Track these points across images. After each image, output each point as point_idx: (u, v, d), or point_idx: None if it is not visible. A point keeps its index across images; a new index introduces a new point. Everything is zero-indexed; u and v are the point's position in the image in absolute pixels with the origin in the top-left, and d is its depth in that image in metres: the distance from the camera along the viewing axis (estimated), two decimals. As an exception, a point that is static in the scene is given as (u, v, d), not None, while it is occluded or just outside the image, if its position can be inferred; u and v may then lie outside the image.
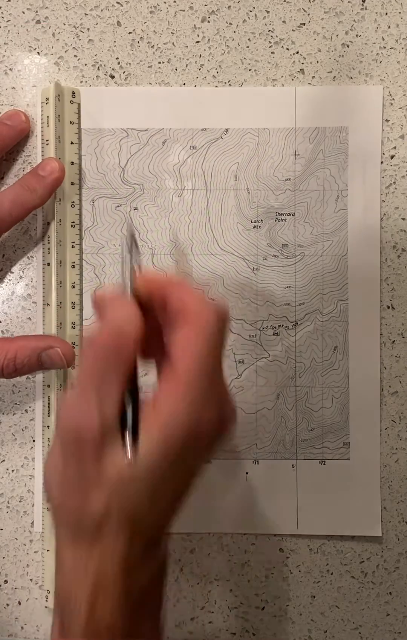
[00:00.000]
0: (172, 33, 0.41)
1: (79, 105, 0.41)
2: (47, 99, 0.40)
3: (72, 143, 0.41)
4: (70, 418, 0.29)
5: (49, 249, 0.40)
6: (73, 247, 0.41)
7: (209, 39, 0.41)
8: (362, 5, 0.41)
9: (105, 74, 0.42)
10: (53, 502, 0.31)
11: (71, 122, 0.41)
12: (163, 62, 0.41)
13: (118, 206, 0.42)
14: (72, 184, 0.41)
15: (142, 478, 0.29)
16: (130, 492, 0.29)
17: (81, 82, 0.42)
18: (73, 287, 0.41)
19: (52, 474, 0.30)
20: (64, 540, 0.30)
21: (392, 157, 0.41)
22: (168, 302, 0.30)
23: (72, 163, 0.41)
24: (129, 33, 0.41)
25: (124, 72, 0.42)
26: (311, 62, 0.41)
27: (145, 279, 0.32)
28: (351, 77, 0.41)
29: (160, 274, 0.33)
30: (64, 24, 0.41)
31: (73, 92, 0.41)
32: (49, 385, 0.40)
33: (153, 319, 0.31)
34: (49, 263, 0.40)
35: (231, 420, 0.31)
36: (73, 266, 0.41)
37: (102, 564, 0.29)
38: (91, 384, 0.29)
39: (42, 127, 0.40)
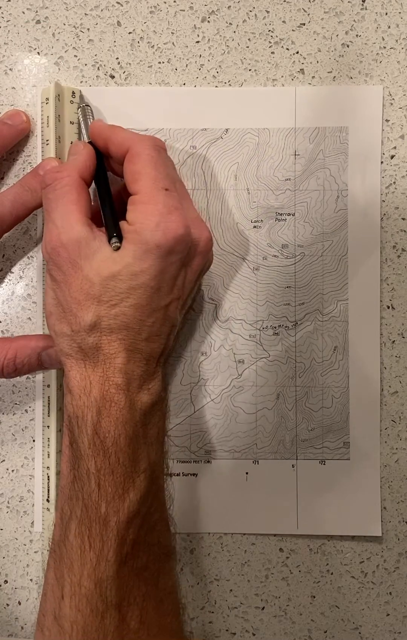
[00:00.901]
0: (172, 33, 0.41)
1: (79, 105, 0.41)
2: (47, 99, 0.40)
3: (72, 143, 0.41)
4: (45, 244, 0.34)
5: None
6: (73, 247, 0.41)
7: (209, 39, 0.41)
8: (362, 5, 0.41)
9: (105, 74, 0.42)
10: (53, 331, 0.34)
11: (71, 122, 0.41)
12: (163, 62, 0.41)
13: (118, 206, 0.42)
14: (72, 184, 0.41)
15: (123, 276, 0.32)
16: (114, 293, 0.32)
17: (81, 82, 0.42)
18: (73, 287, 0.41)
19: (48, 305, 0.34)
20: (70, 365, 0.33)
21: (392, 157, 0.41)
22: (113, 144, 0.35)
23: (72, 163, 0.41)
24: (129, 33, 0.41)
25: (124, 72, 0.42)
26: (311, 62, 0.41)
27: (94, 125, 0.37)
28: (351, 77, 0.41)
29: (104, 123, 0.38)
30: (64, 24, 0.41)
31: (73, 92, 0.41)
32: (49, 385, 0.40)
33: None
34: (49, 263, 0.40)
35: (204, 237, 0.35)
36: (73, 266, 0.41)
37: (105, 376, 0.32)
38: (51, 211, 0.34)
39: (42, 127, 0.40)
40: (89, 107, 0.40)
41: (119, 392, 0.32)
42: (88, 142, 0.37)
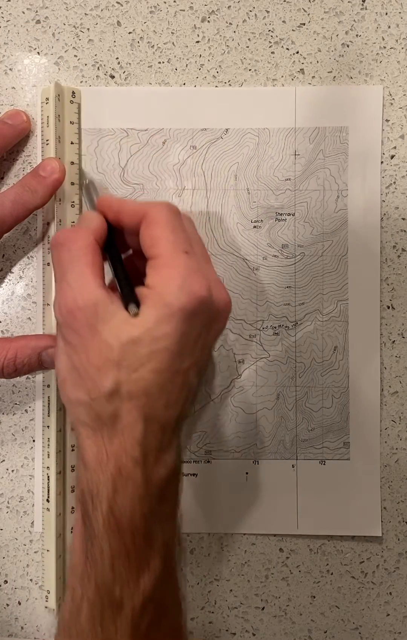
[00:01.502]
0: (172, 33, 0.41)
1: (79, 105, 0.41)
2: (47, 99, 0.40)
3: (72, 143, 0.41)
4: (60, 307, 0.32)
5: (49, 249, 0.40)
6: (73, 247, 0.41)
7: (209, 39, 0.41)
8: (362, 5, 0.41)
9: (105, 74, 0.42)
10: (68, 398, 0.32)
11: (71, 122, 0.41)
12: (163, 62, 0.41)
13: (118, 206, 0.42)
14: (72, 184, 0.41)
15: (144, 341, 0.31)
16: (135, 358, 0.31)
17: (81, 82, 0.42)
18: (73, 287, 0.41)
19: (62, 370, 0.32)
20: (86, 436, 0.32)
21: (392, 157, 0.41)
22: (126, 214, 0.34)
23: (72, 163, 0.41)
24: (129, 33, 0.41)
25: (124, 72, 0.42)
26: (311, 62, 0.41)
27: (103, 199, 0.36)
28: (351, 77, 0.41)
29: (113, 196, 0.38)
30: (64, 24, 0.41)
31: (73, 92, 0.41)
32: (49, 385, 0.40)
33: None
34: (49, 263, 0.40)
35: (223, 299, 0.34)
36: (73, 266, 0.41)
37: (121, 450, 0.31)
38: (65, 273, 0.33)
39: (42, 127, 0.40)
40: (92, 183, 0.40)
41: (136, 467, 0.30)
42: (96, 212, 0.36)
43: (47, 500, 0.40)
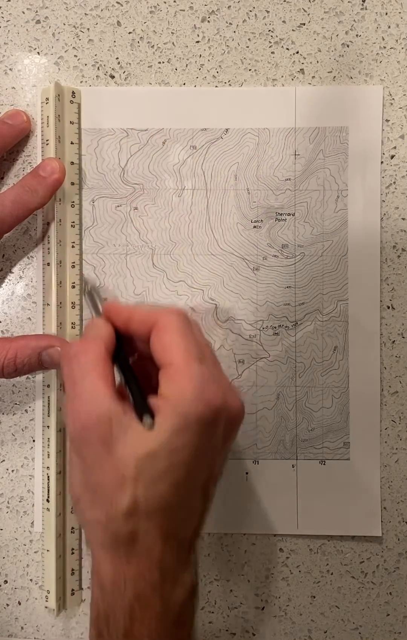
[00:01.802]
0: (172, 33, 0.41)
1: (79, 105, 0.41)
2: (47, 99, 0.40)
3: (72, 143, 0.41)
4: (73, 422, 0.31)
5: (49, 249, 0.40)
6: (73, 247, 0.41)
7: (209, 39, 0.41)
8: (362, 5, 0.41)
9: (105, 74, 0.42)
10: (84, 518, 0.31)
11: (71, 122, 0.41)
12: (163, 62, 0.41)
13: (118, 206, 0.42)
14: (72, 184, 0.41)
15: (161, 454, 0.30)
16: (153, 473, 0.30)
17: (81, 82, 0.42)
18: (73, 287, 0.41)
19: (76, 488, 0.31)
20: (102, 557, 0.30)
21: (392, 157, 0.41)
22: (135, 321, 0.34)
23: (72, 163, 0.41)
24: (129, 33, 0.41)
25: (124, 72, 0.42)
26: (311, 62, 0.41)
27: (110, 306, 0.36)
28: (351, 77, 0.41)
29: (119, 303, 0.37)
30: (64, 24, 0.41)
31: (73, 92, 0.41)
32: (49, 385, 0.40)
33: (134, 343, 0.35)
34: (49, 263, 0.40)
35: (238, 406, 0.33)
36: (73, 266, 0.41)
37: (140, 573, 0.30)
38: (76, 386, 0.31)
39: (42, 127, 0.40)
40: (94, 289, 0.39)
41: (155, 593, 0.29)
42: (103, 319, 0.36)
43: (47, 500, 0.40)
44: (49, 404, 0.40)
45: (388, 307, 0.41)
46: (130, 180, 0.41)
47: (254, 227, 0.41)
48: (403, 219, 0.41)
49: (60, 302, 0.40)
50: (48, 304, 0.40)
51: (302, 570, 0.42)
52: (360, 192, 0.41)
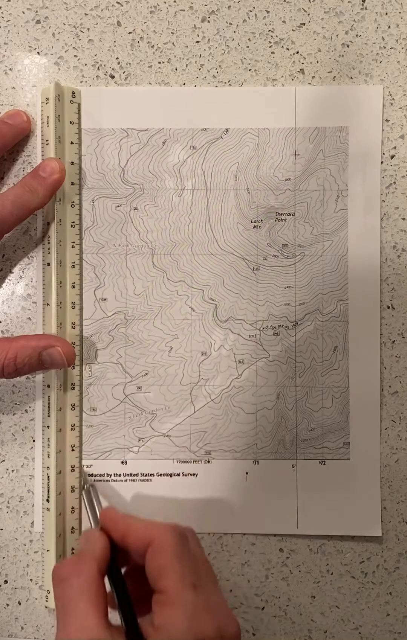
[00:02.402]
0: (172, 33, 0.41)
1: (79, 105, 0.41)
2: (47, 99, 0.40)
3: (72, 143, 0.41)
4: None
5: (49, 249, 0.40)
6: (73, 247, 0.41)
7: (209, 39, 0.41)
8: (362, 5, 0.41)
9: (105, 74, 0.42)
10: None
11: (71, 122, 0.41)
12: (163, 62, 0.41)
13: (118, 206, 0.42)
14: (72, 184, 0.41)
15: None
16: None
17: (81, 82, 0.42)
18: (73, 287, 0.41)
19: None
20: None
21: (392, 157, 0.41)
22: (132, 537, 0.33)
23: (72, 163, 0.41)
24: (129, 33, 0.41)
25: (124, 72, 0.42)
26: (311, 62, 0.41)
27: (107, 515, 0.35)
28: (351, 77, 0.41)
29: (117, 512, 0.36)
30: (64, 24, 0.41)
31: (73, 92, 0.41)
32: (49, 385, 0.40)
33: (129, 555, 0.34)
34: (49, 263, 0.40)
35: (233, 633, 0.32)
36: (73, 266, 0.41)
37: None
38: (68, 611, 0.31)
39: (42, 127, 0.40)
40: (93, 488, 0.39)
41: None
42: (100, 529, 0.35)
43: (47, 500, 0.40)
44: (49, 404, 0.40)
45: (388, 307, 0.41)
46: (130, 180, 0.41)
47: (254, 227, 0.41)
48: (403, 219, 0.41)
49: (60, 302, 0.40)
50: (48, 304, 0.40)
51: (302, 570, 0.42)
52: (360, 192, 0.41)
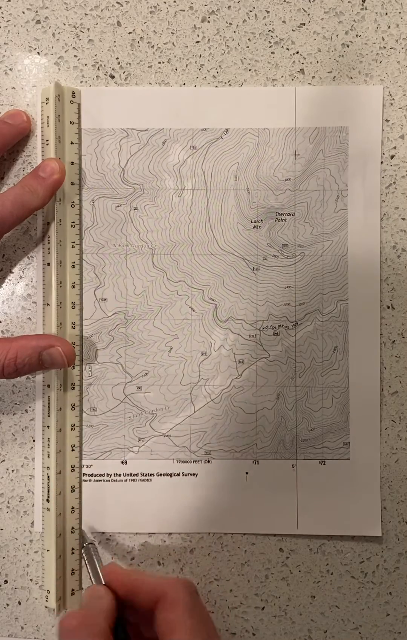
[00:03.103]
0: (172, 33, 0.41)
1: (79, 105, 0.41)
2: (47, 99, 0.40)
3: (72, 143, 0.41)
4: None
5: (49, 249, 0.40)
6: (73, 247, 0.41)
7: (209, 39, 0.41)
8: (362, 5, 0.41)
9: (105, 74, 0.42)
10: None
11: (71, 122, 0.41)
12: (163, 62, 0.41)
13: (118, 206, 0.42)
14: (72, 184, 0.41)
15: None
16: None
17: (81, 82, 0.42)
18: (73, 287, 0.41)
19: None
20: None
21: (392, 157, 0.41)
22: (142, 592, 0.33)
23: (72, 163, 0.41)
24: (129, 33, 0.41)
25: (124, 72, 0.42)
26: (311, 62, 0.41)
27: (112, 572, 0.35)
28: (351, 77, 0.41)
29: (120, 568, 0.35)
30: (64, 24, 0.41)
31: (73, 92, 0.41)
32: (49, 385, 0.40)
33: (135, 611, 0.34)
34: (49, 263, 0.40)
35: None
36: (73, 266, 0.41)
37: None
38: None
39: (42, 127, 0.40)
40: (93, 545, 0.39)
41: None
42: (104, 585, 0.35)
43: (47, 500, 0.40)
44: (49, 404, 0.40)
45: (388, 307, 0.41)
46: (130, 180, 0.41)
47: (254, 227, 0.41)
48: (403, 219, 0.41)
49: (60, 302, 0.40)
50: (48, 304, 0.40)
51: (302, 570, 0.42)
52: (360, 192, 0.41)
